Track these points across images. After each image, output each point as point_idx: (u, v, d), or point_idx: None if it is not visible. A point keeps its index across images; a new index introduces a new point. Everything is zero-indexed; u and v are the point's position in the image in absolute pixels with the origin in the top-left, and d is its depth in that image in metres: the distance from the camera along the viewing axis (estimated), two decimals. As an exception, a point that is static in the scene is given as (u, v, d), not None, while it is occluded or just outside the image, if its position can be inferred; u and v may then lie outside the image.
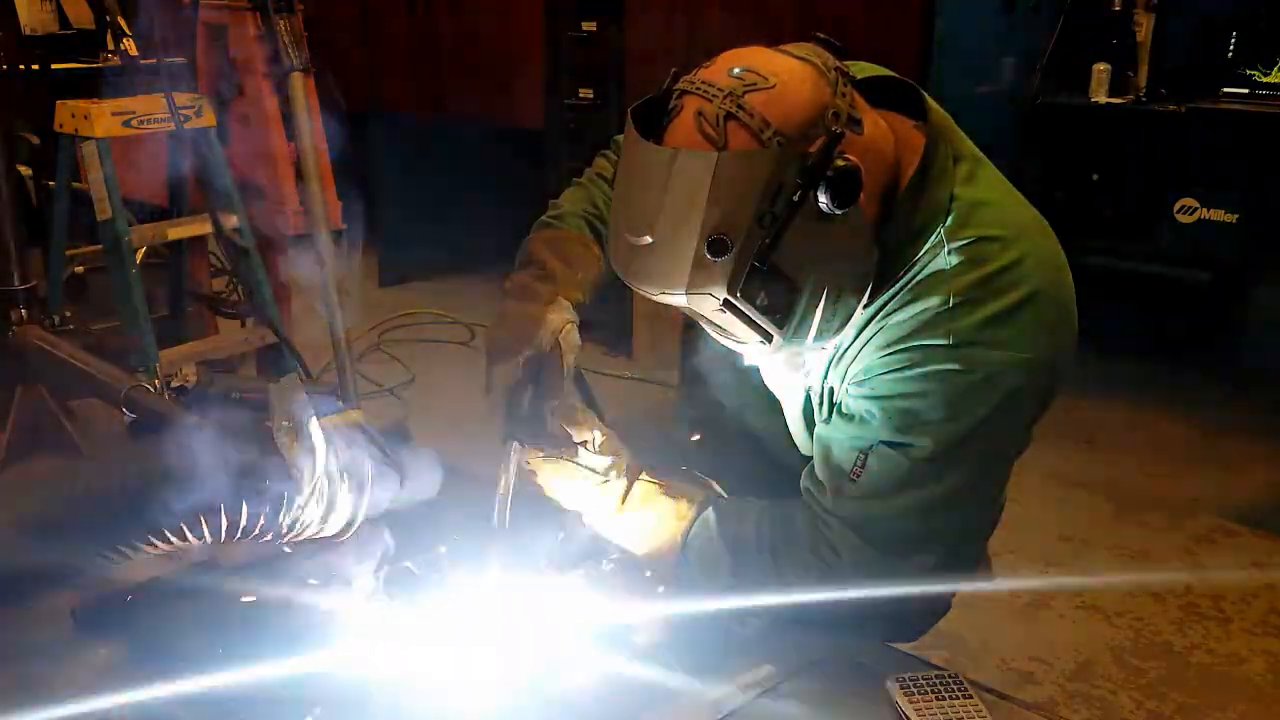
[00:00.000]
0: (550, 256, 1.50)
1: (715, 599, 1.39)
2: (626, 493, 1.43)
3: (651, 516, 1.43)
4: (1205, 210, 3.87)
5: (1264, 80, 3.82)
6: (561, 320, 1.43)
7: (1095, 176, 4.17)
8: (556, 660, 1.30)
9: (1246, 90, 3.84)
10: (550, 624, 1.34)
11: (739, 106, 1.18)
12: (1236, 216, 3.82)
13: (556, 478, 1.44)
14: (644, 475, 1.45)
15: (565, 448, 1.42)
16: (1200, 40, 3.97)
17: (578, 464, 1.42)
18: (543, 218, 1.60)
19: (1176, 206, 3.91)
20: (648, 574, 1.45)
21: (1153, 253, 4.00)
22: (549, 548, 1.49)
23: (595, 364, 4.41)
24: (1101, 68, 3.99)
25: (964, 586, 1.52)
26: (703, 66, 1.24)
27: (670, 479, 1.46)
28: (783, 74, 1.20)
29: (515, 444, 1.40)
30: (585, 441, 1.42)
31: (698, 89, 1.21)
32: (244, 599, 1.35)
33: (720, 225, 1.17)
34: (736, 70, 1.21)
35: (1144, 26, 3.98)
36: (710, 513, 1.42)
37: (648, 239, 1.21)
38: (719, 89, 1.20)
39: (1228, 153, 3.87)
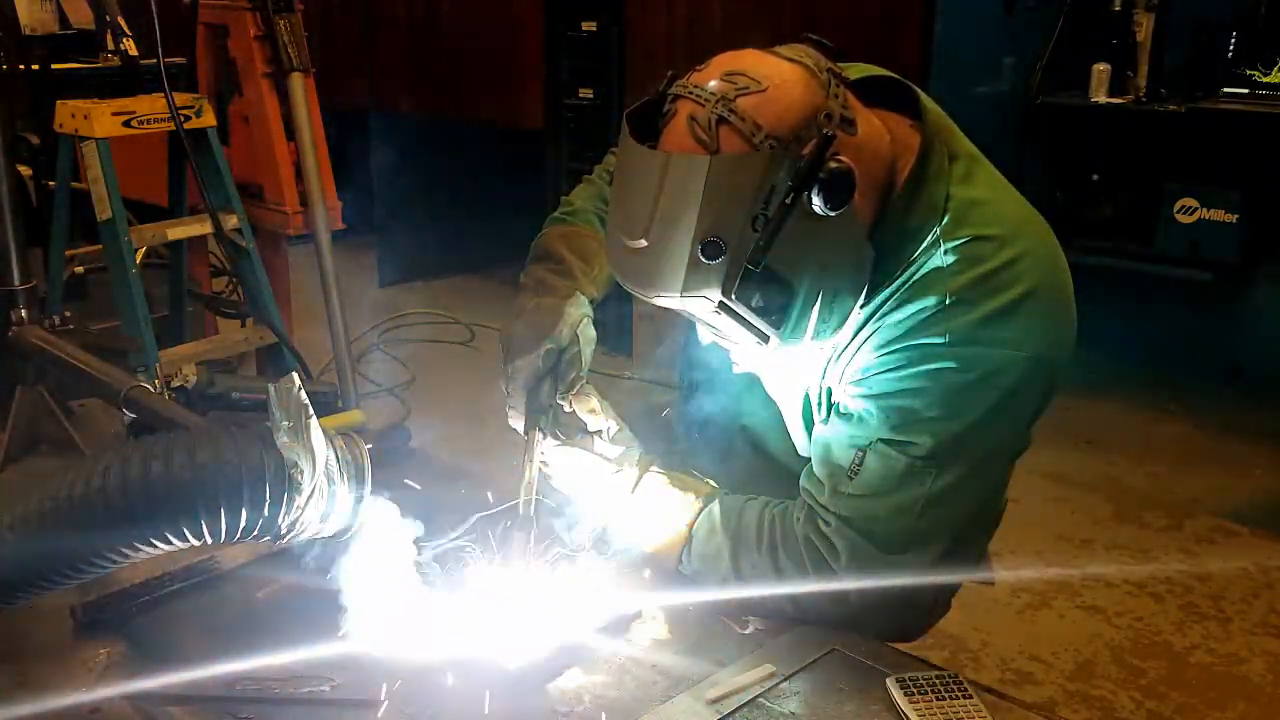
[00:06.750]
0: (566, 251, 1.52)
1: (716, 592, 1.40)
2: (637, 483, 1.45)
3: (659, 507, 1.45)
4: (1205, 210, 3.87)
5: (1264, 80, 3.82)
6: (579, 314, 1.46)
7: (1095, 176, 4.18)
8: (558, 658, 1.30)
9: (1246, 90, 3.83)
10: (554, 619, 1.34)
11: (730, 110, 1.18)
12: (1236, 216, 3.82)
13: (570, 466, 1.47)
14: (654, 468, 1.47)
15: (581, 437, 1.45)
16: (1200, 40, 3.97)
17: (592, 453, 1.45)
18: (556, 213, 1.62)
19: (1176, 206, 3.91)
20: (649, 569, 1.46)
21: (1153, 253, 4.00)
22: (557, 540, 1.50)
23: (595, 364, 4.41)
24: (1101, 68, 3.99)
25: (961, 578, 1.52)
26: (696, 70, 1.25)
27: (678, 473, 1.48)
28: (774, 77, 1.21)
29: (538, 433, 1.43)
30: (600, 431, 1.45)
31: (690, 93, 1.22)
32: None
33: (714, 228, 1.18)
34: (728, 74, 1.21)
35: (1144, 26, 3.98)
36: (715, 506, 1.44)
37: (643, 242, 1.22)
38: (710, 93, 1.20)
39: (1227, 153, 3.87)
